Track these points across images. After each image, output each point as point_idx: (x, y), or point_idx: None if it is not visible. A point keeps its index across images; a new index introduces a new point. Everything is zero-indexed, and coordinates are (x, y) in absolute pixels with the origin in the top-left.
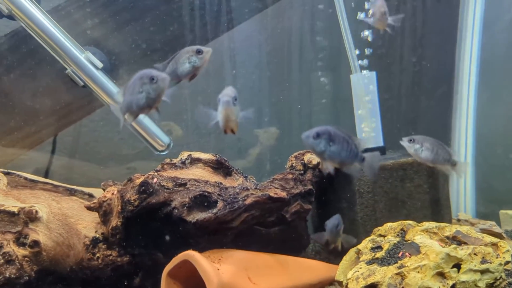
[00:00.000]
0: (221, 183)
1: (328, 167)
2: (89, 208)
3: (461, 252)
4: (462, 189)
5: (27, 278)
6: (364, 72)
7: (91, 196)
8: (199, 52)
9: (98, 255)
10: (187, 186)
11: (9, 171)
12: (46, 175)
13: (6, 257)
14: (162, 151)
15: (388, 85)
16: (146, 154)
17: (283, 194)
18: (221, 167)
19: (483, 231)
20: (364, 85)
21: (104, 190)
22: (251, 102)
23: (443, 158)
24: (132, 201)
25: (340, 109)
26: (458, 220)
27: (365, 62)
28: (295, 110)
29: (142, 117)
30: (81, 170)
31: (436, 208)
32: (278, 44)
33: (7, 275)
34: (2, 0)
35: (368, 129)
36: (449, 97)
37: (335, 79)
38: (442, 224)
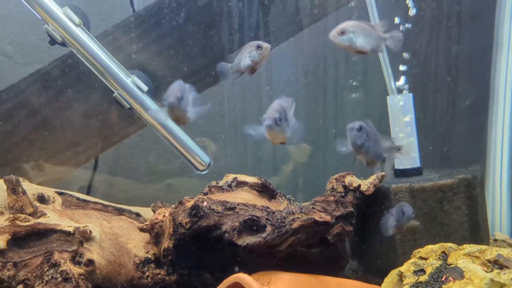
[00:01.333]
0: (268, 207)
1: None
2: (141, 230)
3: (504, 276)
4: (498, 208)
5: None
6: (401, 94)
7: (138, 215)
8: (259, 47)
9: (147, 273)
10: (236, 210)
11: (62, 191)
12: (88, 192)
13: (63, 275)
14: (203, 170)
15: (422, 104)
16: (183, 171)
17: (328, 218)
18: (265, 190)
19: None
20: (401, 107)
21: (153, 211)
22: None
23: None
24: (183, 224)
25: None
26: (495, 240)
27: (401, 82)
28: (328, 128)
29: (183, 136)
30: (121, 187)
31: (475, 229)
32: (313, 65)
33: None
34: (57, 29)
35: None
36: (484, 116)
37: (369, 99)
38: (483, 247)
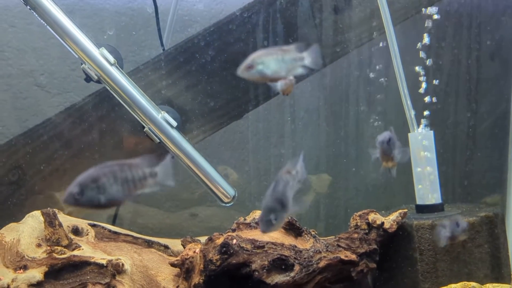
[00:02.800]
0: (295, 246)
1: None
2: (172, 265)
3: None
4: None
5: None
6: (422, 132)
7: (166, 247)
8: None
9: None
10: (265, 249)
11: (94, 223)
12: (114, 220)
13: None
14: (228, 203)
15: (443, 139)
16: (205, 199)
17: (353, 257)
18: (292, 228)
19: None
20: (422, 144)
21: (183, 246)
22: (307, 148)
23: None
24: (214, 261)
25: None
26: None
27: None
28: (348, 159)
29: (209, 168)
30: (145, 215)
31: (497, 267)
32: (336, 97)
33: None
34: (93, 68)
35: (428, 186)
36: (504, 150)
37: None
38: (506, 286)
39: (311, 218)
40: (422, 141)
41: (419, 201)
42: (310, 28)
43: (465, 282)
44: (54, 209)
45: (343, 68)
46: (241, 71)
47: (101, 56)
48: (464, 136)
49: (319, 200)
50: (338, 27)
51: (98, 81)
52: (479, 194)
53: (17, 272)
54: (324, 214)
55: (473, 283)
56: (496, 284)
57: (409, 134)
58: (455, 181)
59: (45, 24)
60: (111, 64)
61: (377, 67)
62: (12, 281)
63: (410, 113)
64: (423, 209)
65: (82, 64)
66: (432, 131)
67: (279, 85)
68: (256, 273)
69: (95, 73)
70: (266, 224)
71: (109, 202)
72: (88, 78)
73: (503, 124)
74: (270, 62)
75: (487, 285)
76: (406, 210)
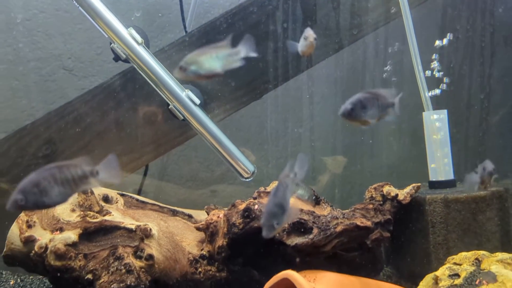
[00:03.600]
0: (314, 212)
1: None
2: (198, 229)
3: None
4: None
5: (143, 286)
6: (436, 111)
7: (190, 217)
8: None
9: (200, 269)
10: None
11: (123, 193)
12: (139, 195)
13: (127, 267)
14: (247, 178)
15: (456, 120)
16: (225, 178)
17: (369, 223)
18: None
19: None
20: (436, 122)
21: (207, 213)
22: (325, 131)
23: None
24: (237, 224)
25: (408, 143)
26: None
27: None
28: (363, 141)
29: (230, 145)
30: (168, 191)
31: (506, 239)
32: (351, 81)
33: (128, 283)
34: (122, 47)
35: (441, 163)
36: None
37: (404, 114)
38: None
39: (327, 198)
40: (435, 119)
41: (432, 178)
42: (328, 11)
43: (475, 251)
44: None
45: (360, 51)
46: (176, 73)
47: (129, 35)
48: (477, 118)
49: (334, 181)
50: (355, 10)
51: (126, 60)
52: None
53: (54, 233)
54: (339, 194)
55: (483, 251)
56: (506, 253)
57: (423, 113)
58: (468, 161)
59: (78, 6)
60: (139, 44)
61: (392, 49)
62: (50, 241)
63: (425, 92)
64: (436, 185)
65: (111, 43)
66: (445, 110)
67: (300, 47)
68: (277, 235)
69: (123, 52)
70: (269, 229)
71: (53, 202)
72: (117, 57)
73: None
74: (203, 61)
75: (497, 253)
76: (419, 184)
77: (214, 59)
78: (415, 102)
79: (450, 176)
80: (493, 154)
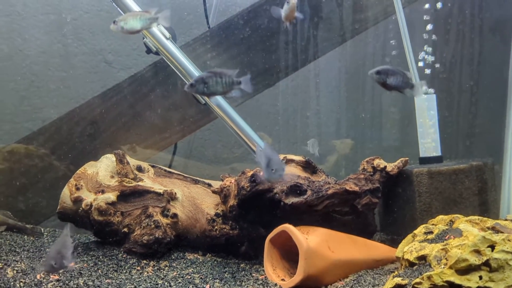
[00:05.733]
0: (309, 178)
1: None
2: (214, 192)
3: (496, 237)
4: None
5: (169, 239)
6: (426, 94)
7: (209, 185)
8: (287, 2)
9: (216, 227)
10: (284, 179)
11: (153, 164)
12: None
13: (155, 223)
14: None
15: (448, 104)
16: (243, 158)
17: (356, 188)
18: (308, 166)
19: None
20: (426, 106)
21: (222, 179)
22: (331, 117)
23: (403, 83)
24: (245, 187)
25: (407, 124)
26: (505, 220)
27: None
28: (368, 125)
29: (247, 128)
30: (194, 168)
31: (484, 208)
32: (355, 70)
33: (156, 236)
34: (153, 41)
35: (429, 141)
36: (502, 115)
37: (403, 99)
38: (485, 218)
39: (332, 175)
40: (425, 103)
41: (422, 154)
42: (333, 7)
43: (452, 214)
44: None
45: (362, 42)
46: (111, 27)
47: (159, 31)
48: (467, 102)
49: (341, 161)
50: (357, 7)
51: (157, 53)
52: (480, 153)
53: (97, 194)
54: (345, 173)
55: (458, 215)
56: (476, 216)
57: (414, 97)
58: (459, 142)
59: (116, 7)
60: (167, 38)
61: (391, 42)
62: (94, 200)
63: (416, 79)
64: (424, 160)
65: (143, 38)
66: (435, 95)
67: (283, 11)
68: (277, 195)
69: (154, 46)
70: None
71: (210, 93)
72: (148, 50)
73: (503, 91)
74: (130, 18)
75: (472, 217)
76: (407, 158)
77: (138, 19)
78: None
79: (438, 153)
80: (481, 136)
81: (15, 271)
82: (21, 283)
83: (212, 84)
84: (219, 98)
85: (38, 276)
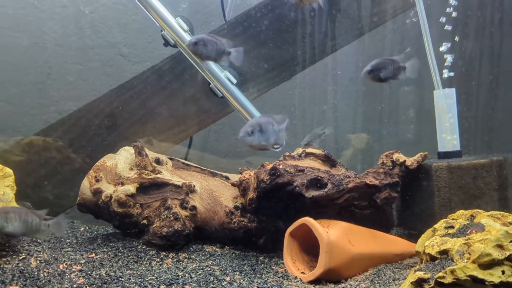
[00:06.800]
0: (329, 171)
1: None
2: (233, 185)
3: None
4: None
5: (188, 231)
6: (445, 89)
7: (227, 178)
8: None
9: (234, 220)
10: (305, 172)
11: (171, 157)
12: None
13: (175, 215)
14: (277, 148)
15: (467, 99)
16: (259, 151)
17: (376, 182)
18: (328, 160)
19: None
20: (445, 100)
21: (240, 172)
22: (346, 111)
23: (395, 70)
24: (265, 180)
25: (423, 119)
26: None
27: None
28: (384, 119)
29: None
30: (209, 161)
31: (504, 203)
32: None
33: (175, 228)
34: (171, 34)
35: (449, 136)
36: None
37: (420, 93)
38: (506, 213)
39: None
40: (445, 97)
41: (440, 149)
42: (351, 0)
43: (472, 209)
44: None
45: (380, 37)
46: None
47: (177, 24)
48: (486, 97)
49: (357, 155)
50: (375, 0)
51: (174, 45)
52: (499, 148)
53: (116, 186)
54: (361, 167)
55: (478, 210)
56: (497, 211)
57: (434, 92)
58: (477, 136)
59: (139, 4)
60: (185, 31)
61: (409, 34)
62: (113, 192)
63: (435, 72)
64: (443, 155)
65: (161, 31)
66: (454, 89)
67: None
68: (297, 188)
69: (172, 38)
70: (245, 133)
71: (206, 57)
72: (166, 43)
73: None
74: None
75: (493, 212)
76: (426, 153)
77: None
78: (429, 83)
79: (457, 147)
80: (501, 131)
81: (38, 261)
82: (44, 272)
83: (210, 48)
84: (236, 91)
85: (61, 266)
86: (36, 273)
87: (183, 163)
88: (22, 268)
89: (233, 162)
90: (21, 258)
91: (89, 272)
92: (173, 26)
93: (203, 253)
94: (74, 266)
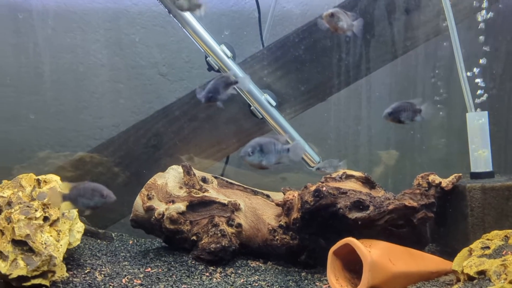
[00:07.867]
0: (370, 194)
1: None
2: (277, 205)
3: None
4: None
5: (234, 248)
6: (478, 112)
7: (268, 196)
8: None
9: (277, 237)
10: (347, 194)
11: (216, 175)
12: None
13: (222, 232)
14: (313, 167)
15: (498, 120)
16: (293, 167)
17: (415, 204)
18: (367, 182)
19: None
20: (478, 122)
21: (283, 193)
22: (380, 129)
23: (413, 113)
24: (309, 201)
25: (453, 139)
26: None
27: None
28: (415, 137)
29: (301, 139)
30: (245, 177)
31: None
32: (404, 85)
33: (223, 244)
34: (215, 60)
35: (481, 156)
36: None
37: (450, 114)
38: None
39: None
40: (477, 120)
41: (473, 169)
42: (384, 25)
43: (506, 230)
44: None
45: (412, 59)
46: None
47: (221, 51)
48: None
49: (387, 172)
50: (408, 25)
51: (218, 71)
52: None
53: (167, 204)
54: (391, 183)
55: None
56: None
57: (466, 114)
58: (508, 158)
59: (182, 27)
60: (228, 57)
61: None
62: (166, 210)
63: (468, 96)
64: (476, 175)
65: (206, 57)
66: (486, 112)
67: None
68: (341, 210)
69: (216, 64)
70: (245, 153)
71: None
72: (210, 68)
73: None
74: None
75: None
76: (460, 174)
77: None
78: (462, 103)
79: (489, 168)
80: None
81: (102, 275)
82: (110, 286)
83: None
84: (275, 113)
85: (123, 280)
86: (103, 286)
87: (227, 181)
88: (90, 281)
89: (268, 178)
90: (86, 271)
91: (148, 286)
92: (218, 53)
93: (248, 268)
94: (135, 280)
